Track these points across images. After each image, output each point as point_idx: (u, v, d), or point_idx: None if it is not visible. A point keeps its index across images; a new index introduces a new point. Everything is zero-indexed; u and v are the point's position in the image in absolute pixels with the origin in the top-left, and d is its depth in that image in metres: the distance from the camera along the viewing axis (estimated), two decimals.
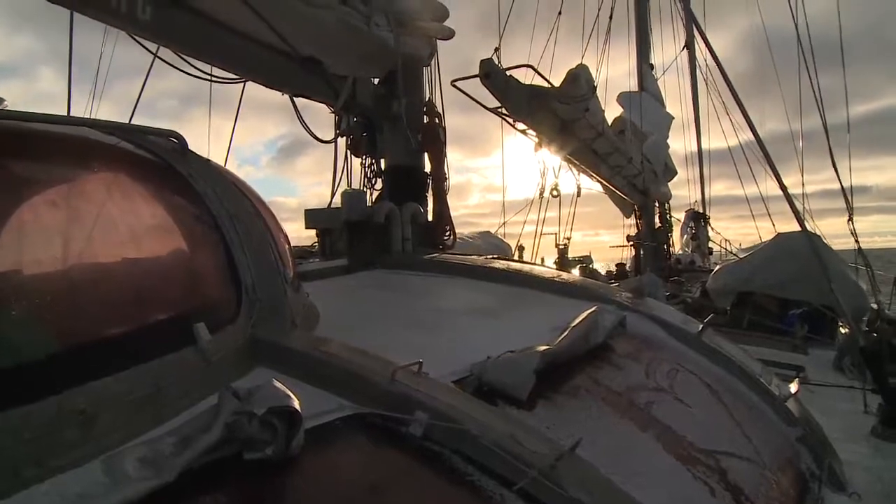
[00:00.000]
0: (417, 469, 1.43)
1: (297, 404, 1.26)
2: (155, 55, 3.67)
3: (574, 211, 12.07)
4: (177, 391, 1.39)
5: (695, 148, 20.22)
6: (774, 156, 5.37)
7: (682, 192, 17.53)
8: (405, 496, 1.35)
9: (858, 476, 2.97)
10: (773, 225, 15.32)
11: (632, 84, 15.08)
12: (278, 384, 1.30)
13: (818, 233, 6.12)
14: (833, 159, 6.56)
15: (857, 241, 6.39)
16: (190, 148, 1.90)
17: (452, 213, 4.91)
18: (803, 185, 9.24)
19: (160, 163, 1.78)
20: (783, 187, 4.79)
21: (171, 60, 3.65)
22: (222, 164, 4.77)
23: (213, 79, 3.86)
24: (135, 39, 3.35)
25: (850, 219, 6.24)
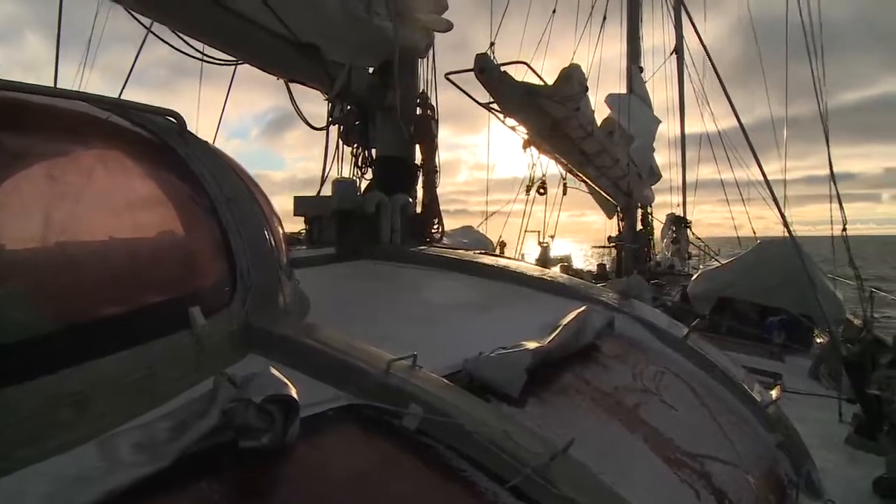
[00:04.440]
0: (410, 462, 1.43)
1: (294, 393, 1.24)
2: (149, 30, 3.60)
3: (560, 210, 12.11)
4: (170, 375, 1.37)
5: (678, 132, 20.27)
6: (758, 142, 5.33)
7: (666, 175, 17.63)
8: (398, 489, 1.34)
9: (833, 484, 3.03)
10: (748, 213, 15.80)
11: (621, 85, 15.13)
12: (275, 372, 1.28)
13: (793, 220, 6.07)
14: (829, 152, 6.53)
15: (850, 255, 6.37)
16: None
17: (441, 190, 4.86)
18: (785, 172, 9.25)
19: (157, 141, 1.74)
20: (769, 187, 4.79)
21: (165, 36, 3.59)
22: (212, 139, 4.71)
23: (207, 59, 3.79)
24: (130, 13, 3.29)
25: (844, 229, 6.24)
